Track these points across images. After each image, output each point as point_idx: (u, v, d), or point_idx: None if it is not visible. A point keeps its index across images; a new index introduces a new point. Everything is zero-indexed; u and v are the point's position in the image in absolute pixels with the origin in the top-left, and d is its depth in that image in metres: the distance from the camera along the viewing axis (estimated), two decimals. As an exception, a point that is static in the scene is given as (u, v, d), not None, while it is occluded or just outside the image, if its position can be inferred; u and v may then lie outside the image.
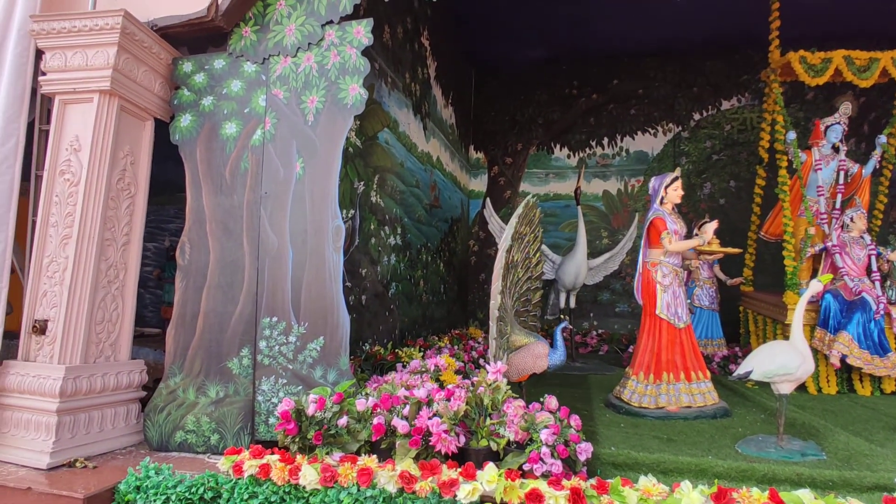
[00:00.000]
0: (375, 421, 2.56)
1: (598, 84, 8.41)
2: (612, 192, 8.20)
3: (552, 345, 3.30)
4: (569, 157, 8.43)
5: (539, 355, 3.15)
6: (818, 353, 5.12)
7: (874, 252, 5.37)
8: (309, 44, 3.46)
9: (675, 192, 4.24)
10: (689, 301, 4.40)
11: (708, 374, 4.18)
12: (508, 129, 8.64)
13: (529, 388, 4.92)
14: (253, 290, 3.26)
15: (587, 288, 7.30)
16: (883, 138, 5.74)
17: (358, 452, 2.57)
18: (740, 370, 3.33)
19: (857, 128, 7.51)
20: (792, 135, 5.54)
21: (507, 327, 3.21)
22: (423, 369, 3.16)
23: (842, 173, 5.74)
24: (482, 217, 8.15)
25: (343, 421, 2.61)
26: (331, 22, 3.45)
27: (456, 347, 4.96)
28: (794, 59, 5.47)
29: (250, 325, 3.22)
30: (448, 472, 2.28)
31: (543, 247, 6.42)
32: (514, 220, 3.07)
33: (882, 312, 5.06)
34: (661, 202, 4.27)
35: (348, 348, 3.03)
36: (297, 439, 2.58)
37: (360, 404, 2.65)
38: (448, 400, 2.55)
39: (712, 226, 4.12)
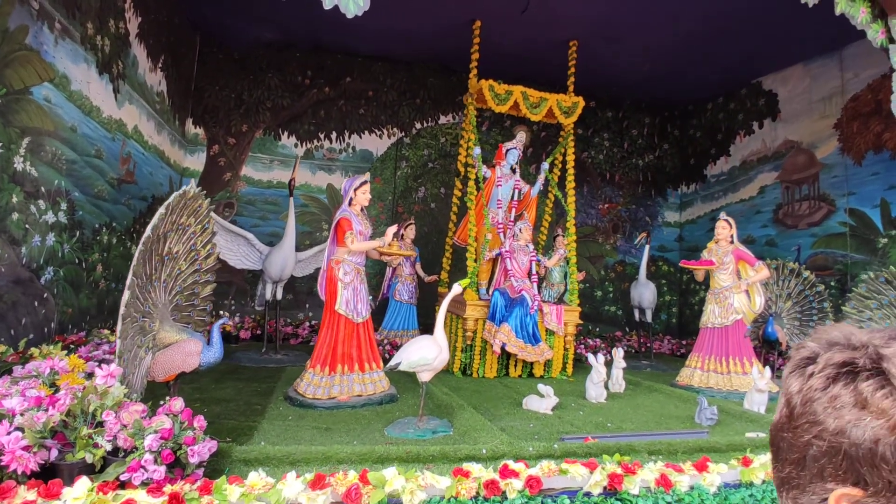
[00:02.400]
0: (-66, 442, 2.09)
1: (331, 78, 8.49)
2: (336, 187, 8.38)
3: (210, 341, 3.17)
4: (296, 145, 8.33)
5: (190, 353, 3.00)
6: (486, 343, 6.02)
7: (535, 259, 6.55)
8: None
9: (364, 195, 4.52)
10: (370, 298, 4.71)
11: (381, 364, 4.58)
12: (234, 107, 8.12)
13: (209, 383, 4.71)
14: None
15: (303, 279, 7.32)
16: (546, 165, 7.07)
17: None
18: (392, 362, 3.71)
19: (538, 156, 9.13)
20: (477, 150, 6.41)
21: (154, 324, 2.97)
22: (36, 373, 2.71)
23: (516, 191, 6.90)
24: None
25: None
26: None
27: (125, 343, 4.42)
28: (484, 87, 6.33)
29: None
30: (24, 494, 1.99)
31: (251, 236, 6.24)
32: (162, 210, 2.85)
33: (536, 308, 6.18)
34: (350, 203, 4.50)
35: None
36: None
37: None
38: (47, 409, 2.23)
39: (392, 229, 4.50)
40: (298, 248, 6.47)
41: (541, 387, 4.43)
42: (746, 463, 2.83)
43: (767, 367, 4.61)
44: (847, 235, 6.95)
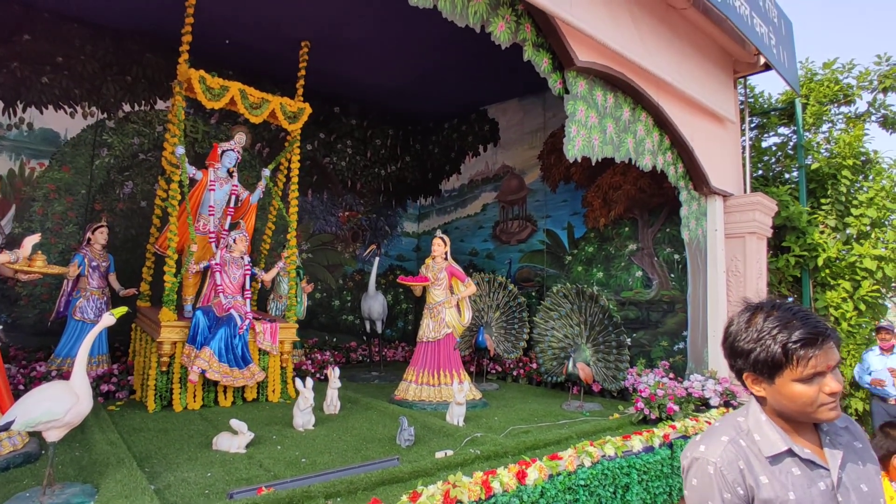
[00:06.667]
0: None
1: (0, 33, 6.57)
2: (2, 173, 6.52)
3: None
4: (-64, 114, 6.21)
5: None
6: (186, 369, 5.17)
7: (249, 272, 5.93)
8: None
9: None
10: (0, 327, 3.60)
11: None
12: None
13: None
14: None
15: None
16: (266, 171, 6.51)
17: None
18: (3, 420, 2.80)
19: (269, 161, 8.45)
20: (181, 149, 5.54)
21: None
22: None
23: (234, 197, 6.21)
24: None
25: None
26: None
27: None
28: (194, 77, 5.50)
29: None
30: None
31: None
32: None
33: (246, 328, 5.55)
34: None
35: None
36: None
37: None
38: None
39: (32, 239, 3.49)
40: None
41: (233, 422, 3.92)
42: (414, 498, 2.79)
43: (466, 382, 4.87)
44: (545, 252, 8.02)
